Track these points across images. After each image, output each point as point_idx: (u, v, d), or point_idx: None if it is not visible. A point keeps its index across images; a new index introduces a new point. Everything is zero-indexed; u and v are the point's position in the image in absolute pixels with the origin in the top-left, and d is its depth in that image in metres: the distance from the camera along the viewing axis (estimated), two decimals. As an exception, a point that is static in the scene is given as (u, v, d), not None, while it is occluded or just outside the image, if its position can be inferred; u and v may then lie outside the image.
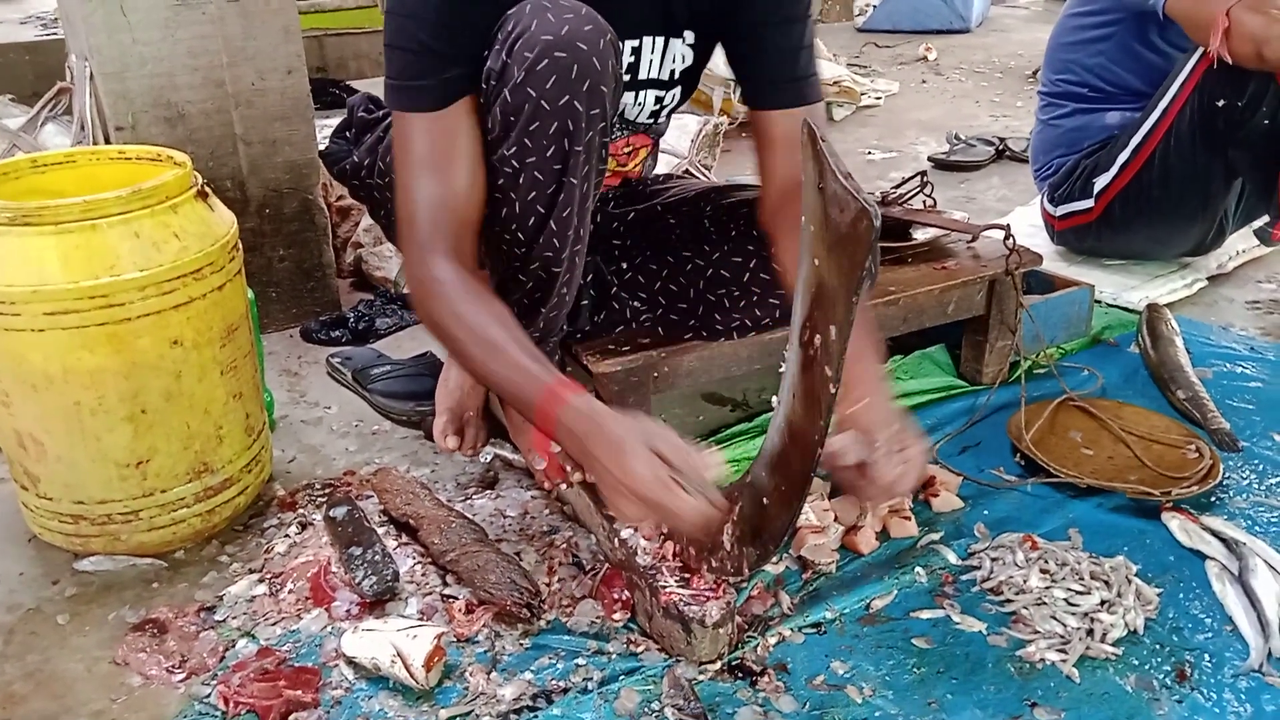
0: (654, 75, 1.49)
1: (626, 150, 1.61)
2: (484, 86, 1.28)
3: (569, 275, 1.39)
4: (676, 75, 1.52)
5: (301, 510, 1.55)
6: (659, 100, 1.53)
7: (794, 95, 1.43)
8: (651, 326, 1.61)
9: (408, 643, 1.20)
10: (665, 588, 1.26)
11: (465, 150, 1.30)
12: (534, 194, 1.30)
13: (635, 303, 1.61)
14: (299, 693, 1.19)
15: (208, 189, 1.45)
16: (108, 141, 1.96)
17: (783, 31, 1.42)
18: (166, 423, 1.39)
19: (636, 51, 1.45)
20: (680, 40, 1.48)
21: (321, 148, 2.15)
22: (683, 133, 2.87)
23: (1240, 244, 2.43)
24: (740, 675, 1.23)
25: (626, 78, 1.45)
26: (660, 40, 1.46)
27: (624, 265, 1.64)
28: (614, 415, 1.19)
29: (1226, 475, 1.59)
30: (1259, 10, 1.91)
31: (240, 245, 1.48)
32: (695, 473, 1.14)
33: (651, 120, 1.58)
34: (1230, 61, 1.98)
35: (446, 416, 1.62)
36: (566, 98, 1.24)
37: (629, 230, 1.68)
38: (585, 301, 1.59)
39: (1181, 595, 1.36)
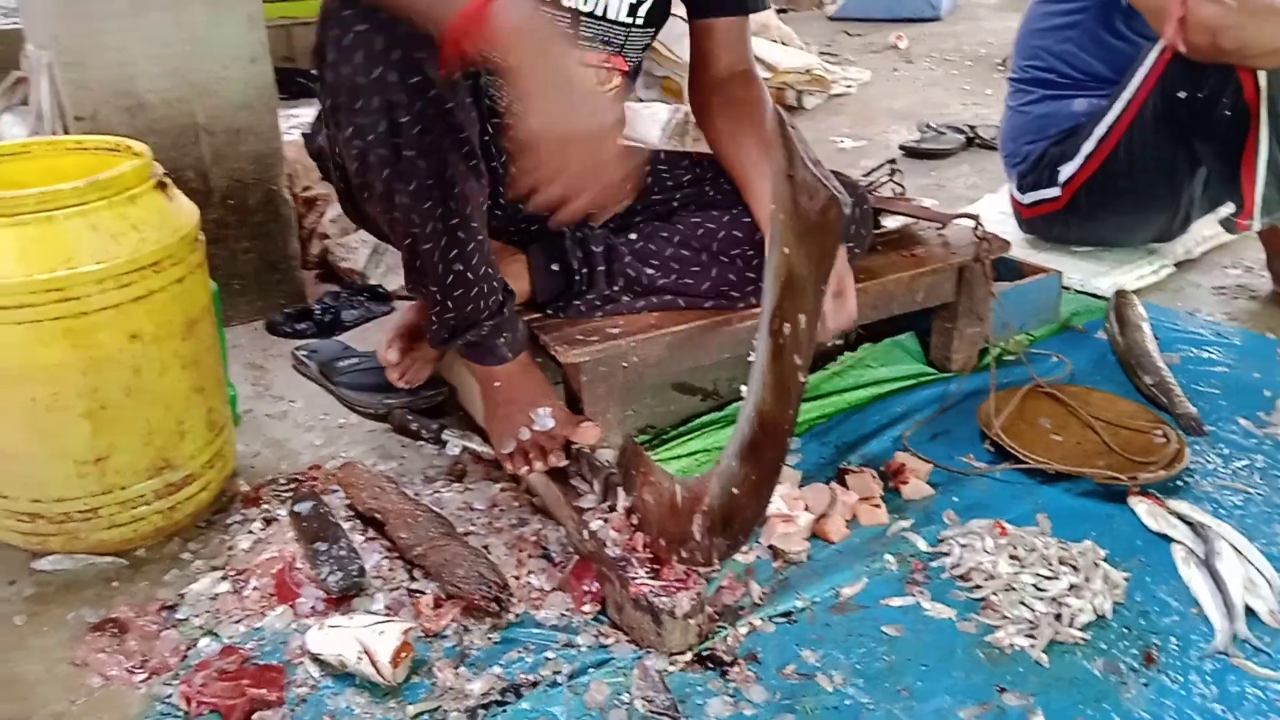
0: None
1: (607, 66, 1.60)
2: (314, 70, 1.27)
3: (456, 252, 1.35)
4: None
5: (266, 506, 1.53)
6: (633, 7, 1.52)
7: (735, 4, 1.57)
8: (672, 295, 1.61)
9: (374, 639, 1.19)
10: (635, 579, 1.25)
11: None
12: (385, 171, 1.28)
13: (649, 270, 1.60)
14: (263, 691, 1.17)
15: (167, 179, 1.42)
16: (67, 132, 1.92)
17: None
18: (126, 419, 1.37)
19: None
20: None
21: (288, 138, 2.13)
22: (653, 121, 2.86)
23: (1206, 230, 2.45)
24: (711, 665, 1.23)
25: None
26: None
27: (633, 236, 1.62)
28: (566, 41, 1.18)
29: (1193, 459, 1.60)
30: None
31: (202, 237, 1.45)
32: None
33: (630, 22, 1.54)
34: (1185, 52, 1.99)
35: (396, 330, 1.61)
36: (379, 70, 1.21)
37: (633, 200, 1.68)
38: (601, 268, 1.59)
39: (1148, 579, 1.36)
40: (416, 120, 1.24)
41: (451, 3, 1.09)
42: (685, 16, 1.62)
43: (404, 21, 1.19)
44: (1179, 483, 1.55)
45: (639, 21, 1.55)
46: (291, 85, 3.49)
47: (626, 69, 1.63)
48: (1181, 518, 1.45)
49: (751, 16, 1.63)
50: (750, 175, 1.55)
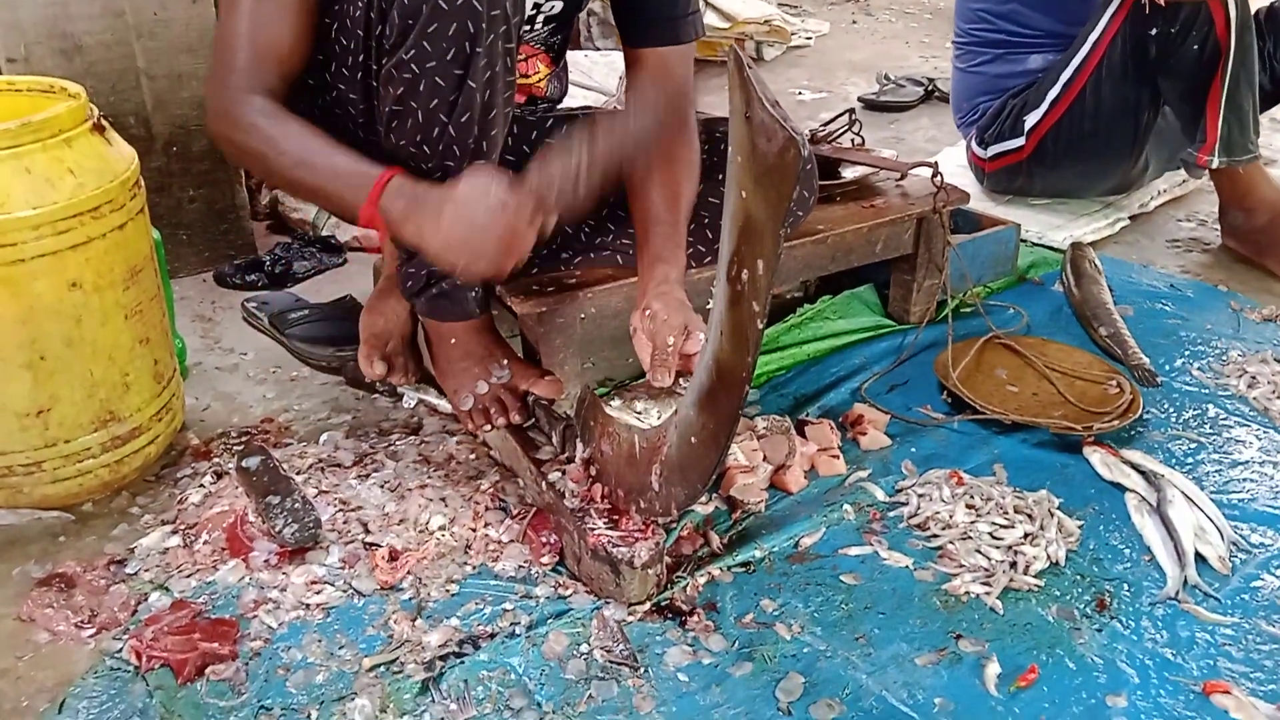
0: None
1: (521, 58, 1.58)
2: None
3: None
4: None
5: (217, 459, 1.49)
6: (537, 7, 1.51)
7: (668, 34, 1.48)
8: (610, 254, 1.59)
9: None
10: (593, 530, 1.24)
11: (293, 20, 1.27)
12: (435, 100, 1.26)
13: (587, 228, 1.58)
14: (215, 645, 1.15)
15: (105, 122, 1.37)
16: (-1, 74, 1.85)
17: None
18: (68, 370, 1.33)
19: None
20: None
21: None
22: (611, 70, 2.81)
23: (1161, 184, 2.46)
24: (669, 615, 1.22)
25: None
26: None
27: None
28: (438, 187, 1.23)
29: (1146, 410, 1.62)
30: None
31: (142, 183, 1.41)
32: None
33: (531, 28, 1.55)
34: (1163, 2, 1.99)
35: (371, 343, 1.58)
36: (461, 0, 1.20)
37: None
38: None
39: (1101, 527, 1.38)
40: (486, 54, 1.24)
41: (351, 202, 1.23)
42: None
43: None
44: (1132, 432, 1.57)
45: (544, 19, 1.57)
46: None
47: (551, 64, 1.64)
48: (1134, 467, 1.47)
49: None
50: (648, 231, 1.43)
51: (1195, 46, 2.03)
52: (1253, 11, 2.05)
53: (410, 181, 1.22)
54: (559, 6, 1.54)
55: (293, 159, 1.25)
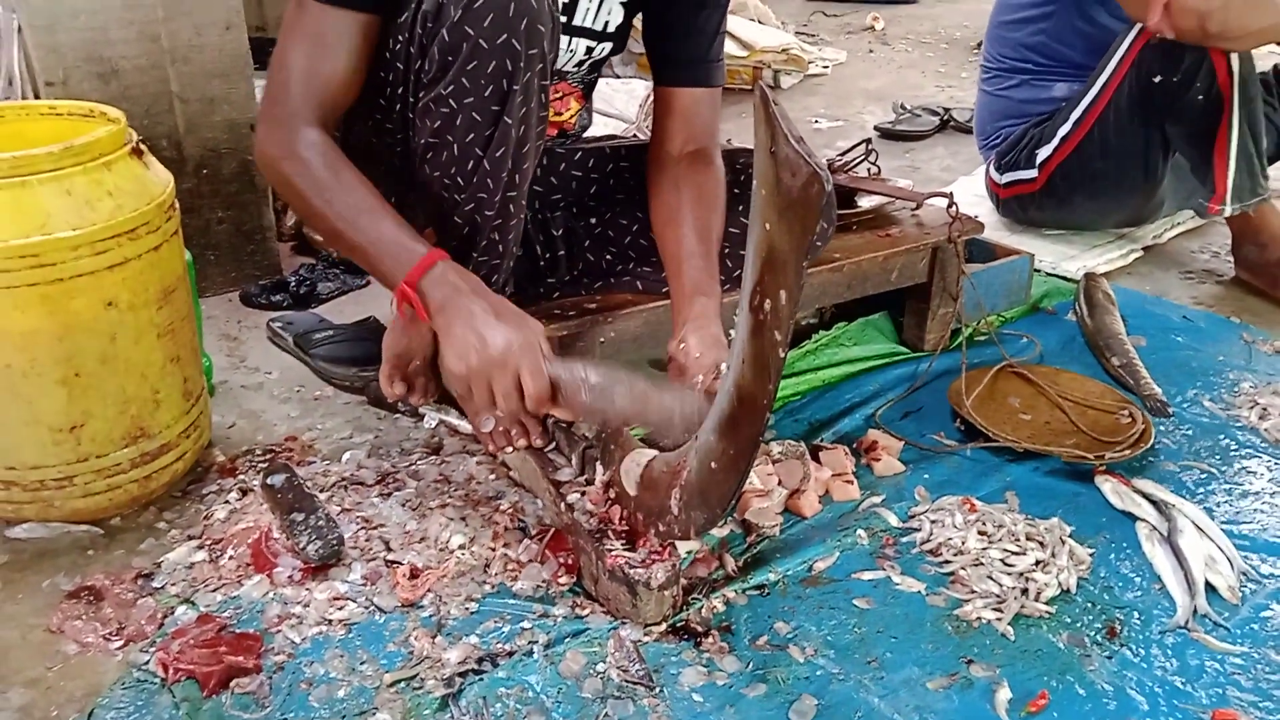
0: (588, 24, 1.51)
1: (557, 96, 1.62)
2: (418, 30, 1.28)
3: (500, 222, 1.38)
4: (610, 29, 1.54)
5: (242, 476, 1.52)
6: (589, 51, 1.55)
7: (699, 76, 1.53)
8: (629, 280, 1.62)
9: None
10: (611, 551, 1.27)
11: (352, 48, 1.31)
12: (471, 135, 1.30)
13: (608, 256, 1.61)
14: (240, 659, 1.18)
15: (143, 146, 1.41)
16: (37, 97, 1.89)
17: (701, 14, 1.50)
18: (101, 386, 1.36)
19: None
20: None
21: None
22: (631, 98, 2.85)
23: (1176, 216, 2.48)
24: (685, 636, 1.24)
25: (563, 19, 1.46)
26: None
27: (593, 220, 1.65)
28: (483, 291, 1.27)
29: (1157, 440, 1.63)
30: None
31: (177, 205, 1.44)
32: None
33: (577, 70, 1.59)
34: (1172, 37, 2.01)
35: (392, 363, 1.61)
36: (504, 36, 1.24)
37: (597, 184, 1.69)
38: (561, 252, 1.61)
39: (1113, 555, 1.40)
40: (523, 91, 1.28)
41: (389, 272, 1.27)
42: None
43: None
44: (1144, 462, 1.59)
45: (591, 64, 1.61)
46: (265, 54, 3.44)
47: (582, 100, 1.69)
48: (1146, 496, 1.49)
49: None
50: (682, 264, 1.43)
51: (1199, 97, 2.05)
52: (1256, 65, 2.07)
53: (454, 272, 1.26)
54: (609, 48, 1.58)
55: (338, 210, 1.28)
